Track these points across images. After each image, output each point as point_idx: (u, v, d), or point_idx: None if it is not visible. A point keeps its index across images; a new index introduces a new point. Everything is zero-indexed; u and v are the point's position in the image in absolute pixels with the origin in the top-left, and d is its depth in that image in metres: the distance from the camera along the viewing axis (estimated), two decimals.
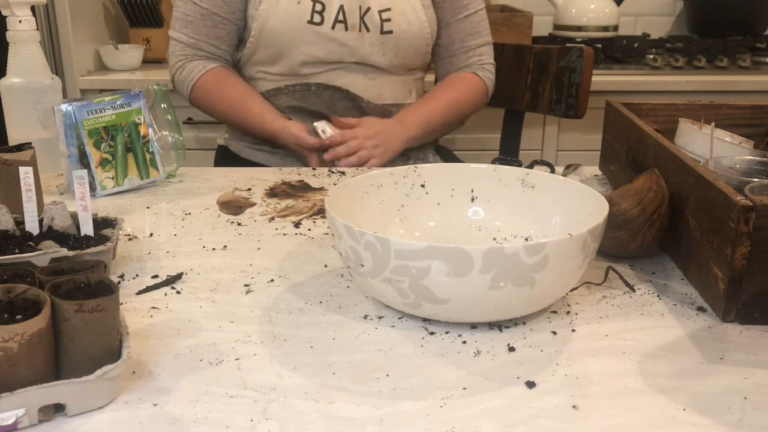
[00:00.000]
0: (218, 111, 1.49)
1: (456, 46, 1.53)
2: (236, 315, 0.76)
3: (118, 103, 1.13)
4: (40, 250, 0.77)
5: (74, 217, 0.85)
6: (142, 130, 1.15)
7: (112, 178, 1.12)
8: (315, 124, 1.41)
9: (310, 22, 1.39)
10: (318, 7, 1.39)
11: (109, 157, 1.12)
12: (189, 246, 0.94)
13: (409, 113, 1.47)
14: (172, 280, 0.84)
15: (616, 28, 2.30)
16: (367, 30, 1.41)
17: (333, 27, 1.40)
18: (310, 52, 1.42)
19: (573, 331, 0.73)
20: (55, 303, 0.58)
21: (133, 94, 1.15)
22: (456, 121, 1.53)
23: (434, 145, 1.60)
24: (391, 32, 1.42)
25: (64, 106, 1.10)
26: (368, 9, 1.41)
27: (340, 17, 1.40)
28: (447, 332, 0.72)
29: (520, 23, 2.08)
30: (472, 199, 0.91)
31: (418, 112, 1.47)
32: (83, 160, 1.11)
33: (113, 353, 0.61)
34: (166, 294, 0.81)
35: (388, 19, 1.41)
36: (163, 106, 1.19)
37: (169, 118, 1.20)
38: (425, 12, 1.45)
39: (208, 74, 1.46)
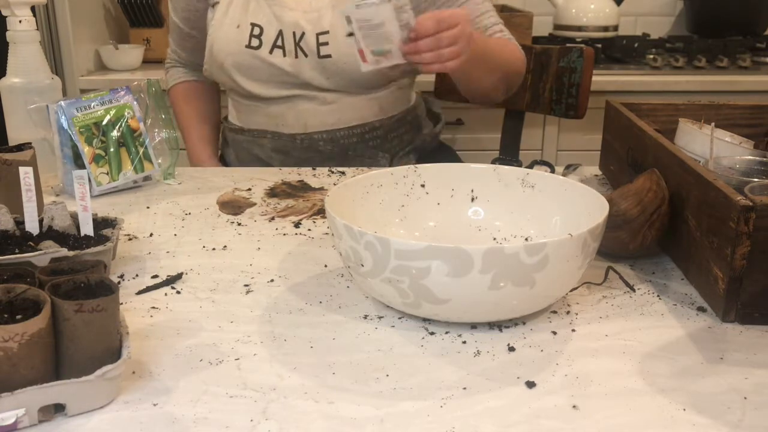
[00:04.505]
0: (177, 123, 1.57)
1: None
2: (236, 315, 0.76)
3: (106, 98, 1.14)
4: (40, 250, 0.77)
5: (74, 217, 0.85)
6: (133, 125, 1.15)
7: (107, 173, 1.12)
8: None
9: (248, 46, 1.37)
10: (256, 31, 1.37)
11: (102, 153, 1.12)
12: (189, 246, 0.94)
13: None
14: (172, 280, 0.84)
15: (616, 28, 2.30)
16: (305, 55, 1.35)
17: (271, 52, 1.36)
18: (253, 77, 1.40)
19: (573, 331, 0.73)
20: (55, 303, 0.58)
21: (120, 90, 1.16)
22: (506, 71, 1.35)
23: (419, 151, 1.52)
24: (329, 56, 1.33)
25: (53, 106, 1.10)
26: (303, 34, 1.34)
27: (279, 42, 1.36)
28: (447, 332, 0.72)
29: (520, 23, 2.08)
30: (472, 199, 0.91)
31: (481, 39, 1.25)
32: (78, 161, 1.11)
33: (113, 353, 0.61)
34: (166, 294, 0.81)
35: (326, 43, 1.33)
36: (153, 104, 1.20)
37: (163, 116, 1.20)
38: None
39: (178, 86, 1.58)
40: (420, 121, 1.53)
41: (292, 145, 1.42)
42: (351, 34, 1.13)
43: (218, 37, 1.40)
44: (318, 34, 1.34)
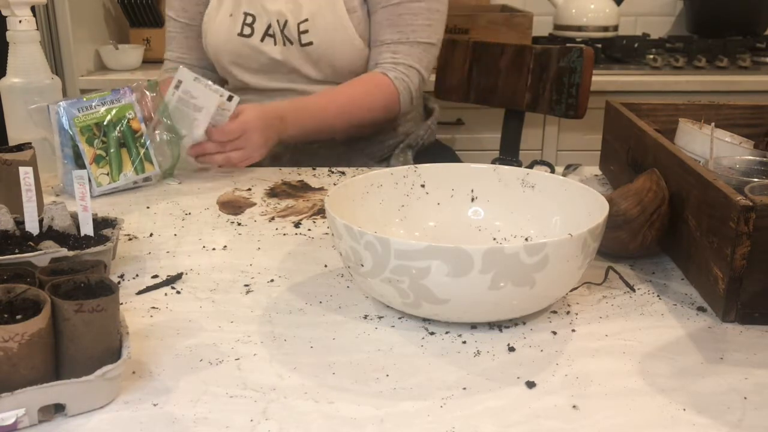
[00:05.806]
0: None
1: (372, 38, 1.39)
2: (236, 315, 0.76)
3: (108, 99, 1.14)
4: (40, 250, 0.77)
5: (74, 217, 0.85)
6: (134, 125, 1.15)
7: (107, 174, 1.12)
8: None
9: (240, 34, 1.39)
10: (248, 19, 1.39)
11: (103, 153, 1.12)
12: (189, 246, 0.94)
13: (296, 110, 1.31)
14: (172, 280, 0.84)
15: (616, 28, 2.30)
16: (291, 43, 1.38)
17: (262, 40, 1.39)
18: (245, 66, 1.41)
19: (573, 331, 0.73)
20: (55, 303, 0.58)
21: (122, 90, 1.15)
22: (351, 124, 1.37)
23: (417, 148, 1.52)
24: (311, 44, 1.36)
25: (54, 106, 1.10)
26: (285, 22, 1.37)
27: (270, 31, 1.38)
28: (447, 332, 0.72)
29: (520, 23, 2.08)
30: (472, 199, 0.91)
31: (306, 111, 1.33)
32: (78, 161, 1.11)
33: (113, 353, 0.61)
34: (166, 294, 0.81)
35: (306, 31, 1.36)
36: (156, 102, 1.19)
37: (167, 121, 1.20)
38: (351, 16, 1.36)
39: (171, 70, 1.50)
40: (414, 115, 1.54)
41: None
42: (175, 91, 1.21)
43: (211, 27, 1.42)
44: (299, 23, 1.37)
